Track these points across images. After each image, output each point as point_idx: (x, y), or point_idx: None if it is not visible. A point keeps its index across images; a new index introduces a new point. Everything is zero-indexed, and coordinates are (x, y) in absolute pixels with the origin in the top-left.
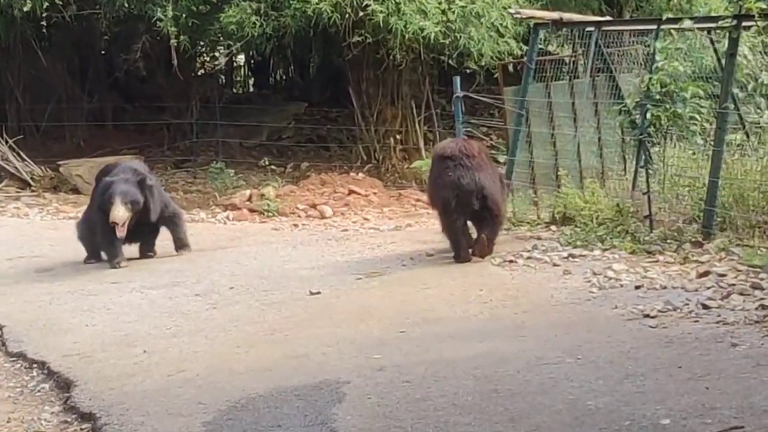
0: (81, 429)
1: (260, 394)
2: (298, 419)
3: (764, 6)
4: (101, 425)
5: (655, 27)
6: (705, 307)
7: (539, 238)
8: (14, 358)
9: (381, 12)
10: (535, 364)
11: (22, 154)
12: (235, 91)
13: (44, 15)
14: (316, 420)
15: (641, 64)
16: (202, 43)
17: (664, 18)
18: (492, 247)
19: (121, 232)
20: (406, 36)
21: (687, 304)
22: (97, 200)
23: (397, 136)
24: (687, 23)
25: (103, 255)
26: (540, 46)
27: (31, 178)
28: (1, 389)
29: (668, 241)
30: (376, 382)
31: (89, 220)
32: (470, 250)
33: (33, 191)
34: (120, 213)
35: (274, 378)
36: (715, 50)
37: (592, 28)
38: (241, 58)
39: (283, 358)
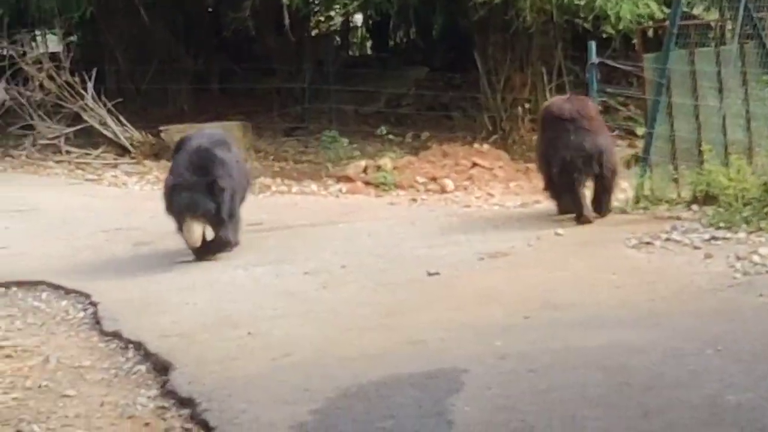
0: (179, 415)
1: (372, 381)
2: (412, 409)
3: None
4: (201, 411)
5: None
6: None
7: (679, 219)
8: (109, 338)
9: None
10: (671, 356)
11: (121, 118)
12: (351, 53)
13: None
14: (431, 411)
15: None
16: (316, 2)
17: None
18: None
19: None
20: None
21: None
22: (166, 204)
23: (526, 105)
24: None
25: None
26: (684, 9)
27: (131, 144)
28: (94, 371)
29: None
30: (497, 371)
31: None
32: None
33: (132, 158)
34: (196, 235)
35: (387, 365)
36: None
37: None
38: (358, 18)
39: (398, 343)
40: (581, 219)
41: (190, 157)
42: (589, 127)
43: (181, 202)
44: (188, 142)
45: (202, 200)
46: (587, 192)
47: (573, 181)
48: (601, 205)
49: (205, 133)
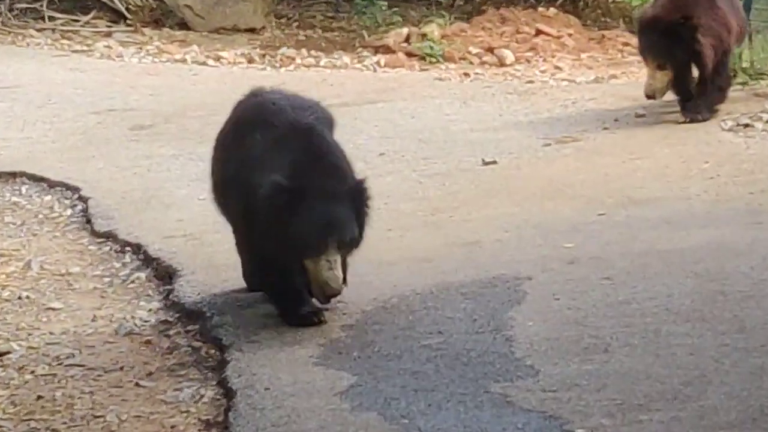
0: (186, 331)
1: (416, 291)
2: (463, 324)
3: None
4: (212, 327)
5: None
6: None
7: None
8: (102, 239)
9: None
10: None
11: None
12: None
13: None
14: (486, 326)
15: None
16: None
17: None
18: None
19: None
20: None
21: None
22: (279, 227)
23: None
24: None
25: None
26: None
27: (126, 9)
28: (85, 279)
29: None
30: (565, 279)
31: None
32: None
33: (129, 25)
34: (340, 277)
35: (434, 271)
36: None
37: None
38: None
39: (447, 245)
40: None
41: (302, 143)
42: None
43: (317, 222)
44: (278, 113)
45: (350, 218)
46: None
47: None
48: None
49: (297, 100)
